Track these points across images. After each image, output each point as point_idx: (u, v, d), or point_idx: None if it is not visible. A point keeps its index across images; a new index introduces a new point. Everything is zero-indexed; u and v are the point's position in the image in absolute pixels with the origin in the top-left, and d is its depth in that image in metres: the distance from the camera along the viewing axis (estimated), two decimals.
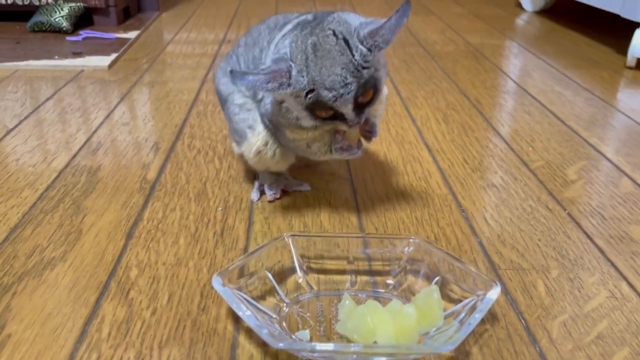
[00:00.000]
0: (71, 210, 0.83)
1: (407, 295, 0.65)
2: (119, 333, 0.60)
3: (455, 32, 2.00)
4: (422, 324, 0.58)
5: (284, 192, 0.88)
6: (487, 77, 1.51)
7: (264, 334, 0.53)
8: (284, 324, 0.60)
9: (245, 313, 0.56)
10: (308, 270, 0.69)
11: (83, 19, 1.85)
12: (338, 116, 0.69)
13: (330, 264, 0.70)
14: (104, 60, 1.51)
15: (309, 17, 0.73)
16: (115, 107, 1.23)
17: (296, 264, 0.68)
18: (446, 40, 1.90)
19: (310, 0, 2.53)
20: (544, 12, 2.37)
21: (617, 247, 0.77)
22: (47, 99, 1.26)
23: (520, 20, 2.27)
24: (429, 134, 1.13)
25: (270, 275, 0.65)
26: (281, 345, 0.53)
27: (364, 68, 0.66)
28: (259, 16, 2.16)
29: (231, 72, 0.67)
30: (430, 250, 0.66)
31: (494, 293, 0.59)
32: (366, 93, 0.68)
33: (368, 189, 0.91)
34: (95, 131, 1.10)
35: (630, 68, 1.59)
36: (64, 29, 1.74)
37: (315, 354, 0.55)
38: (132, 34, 1.80)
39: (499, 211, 0.85)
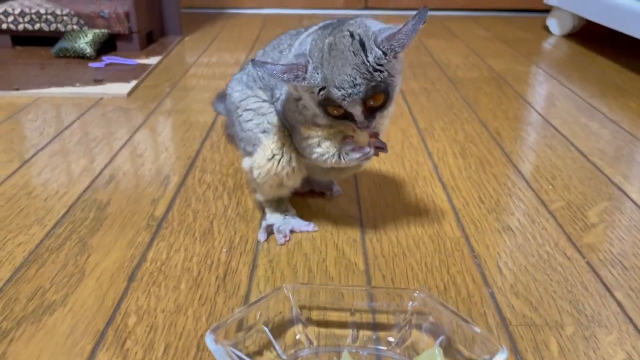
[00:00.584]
0: (77, 249, 0.82)
1: (410, 353, 0.63)
2: None
3: (479, 57, 1.97)
4: None
5: (291, 232, 0.87)
6: (510, 106, 1.47)
7: None
8: None
9: None
10: (308, 322, 0.66)
11: (107, 45, 1.88)
12: (348, 116, 0.70)
13: (332, 316, 0.68)
14: (123, 88, 1.52)
15: (334, 21, 0.75)
16: (131, 137, 1.23)
17: (296, 317, 0.66)
18: (469, 65, 1.87)
19: None
20: (572, 36, 2.31)
21: (637, 301, 0.73)
22: (65, 129, 1.27)
23: (547, 45, 2.22)
24: (445, 170, 1.10)
25: (267, 331, 0.63)
26: None
27: (375, 70, 0.67)
28: None
29: (252, 60, 0.69)
30: (436, 307, 0.63)
31: (501, 358, 0.56)
32: (376, 96, 0.69)
33: (377, 230, 0.88)
34: (109, 163, 1.10)
35: None
36: (88, 55, 1.77)
37: None
38: (154, 60, 1.82)
39: (513, 258, 0.82)
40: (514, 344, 0.65)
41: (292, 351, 0.63)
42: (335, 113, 0.71)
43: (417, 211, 0.94)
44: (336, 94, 0.68)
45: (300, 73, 0.68)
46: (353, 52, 0.67)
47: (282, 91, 0.80)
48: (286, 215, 0.89)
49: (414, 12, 0.67)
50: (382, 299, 0.67)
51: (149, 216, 0.91)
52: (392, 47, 0.67)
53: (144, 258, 0.80)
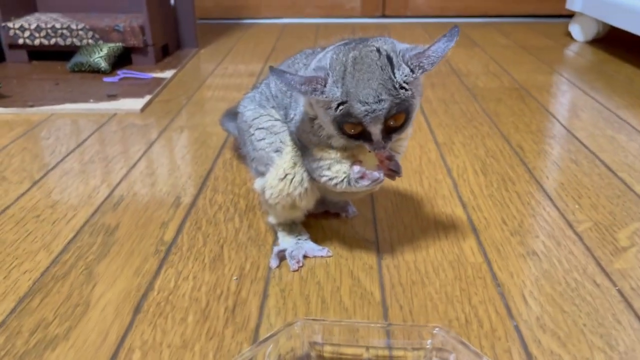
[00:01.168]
0: (83, 277, 0.80)
1: None
2: None
3: (499, 66, 1.92)
4: None
5: (304, 258, 0.83)
6: (533, 119, 1.42)
7: None
8: None
9: None
10: None
11: (122, 58, 1.87)
12: (365, 135, 0.67)
13: (346, 353, 0.64)
14: (137, 103, 1.51)
15: (355, 38, 0.72)
16: (142, 155, 1.21)
17: (307, 354, 0.62)
18: (490, 75, 1.82)
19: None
20: (596, 42, 2.25)
21: None
22: (76, 147, 1.25)
23: (570, 52, 2.16)
24: (465, 188, 1.06)
25: None
26: None
27: (401, 88, 0.64)
28: (297, 51, 2.14)
29: (271, 67, 0.67)
30: (457, 346, 0.59)
31: None
32: (398, 116, 0.66)
33: (395, 255, 0.84)
34: (119, 183, 1.08)
35: None
36: (103, 69, 1.76)
37: None
38: (168, 73, 1.81)
39: (539, 286, 0.77)
40: None
41: None
42: (352, 132, 0.68)
43: (436, 234, 0.90)
44: (359, 109, 0.65)
45: (319, 86, 0.65)
46: (380, 67, 0.65)
47: (296, 111, 0.77)
48: (299, 239, 0.85)
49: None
50: (399, 337, 0.63)
51: (157, 241, 0.89)
52: (422, 64, 0.65)
53: (151, 287, 0.77)
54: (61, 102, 1.51)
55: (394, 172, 0.73)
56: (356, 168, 0.73)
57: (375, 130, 0.67)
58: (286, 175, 0.79)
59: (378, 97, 0.64)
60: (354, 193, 0.82)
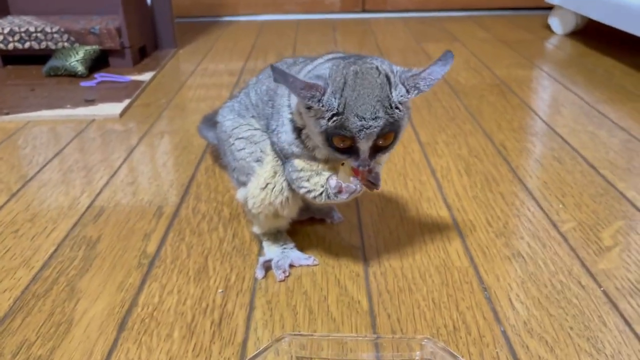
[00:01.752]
0: (64, 293, 0.78)
1: None
2: None
3: (480, 62, 1.92)
4: None
5: (290, 267, 0.82)
6: (514, 115, 1.42)
7: None
8: None
9: None
10: None
11: (99, 61, 1.84)
12: (353, 150, 0.66)
13: None
14: (115, 108, 1.48)
15: (345, 54, 0.71)
16: (124, 162, 1.19)
17: None
18: (470, 71, 1.82)
19: (331, 37, 2.49)
20: (575, 35, 2.26)
21: None
22: (54, 156, 1.23)
23: (550, 45, 2.17)
24: (449, 189, 1.05)
25: None
26: None
27: (396, 108, 0.65)
28: (276, 50, 2.12)
29: (272, 66, 0.65)
30: (445, 357, 0.59)
31: None
32: (388, 135, 0.66)
33: (381, 262, 0.84)
34: (99, 193, 1.06)
35: None
36: (79, 73, 1.73)
37: None
38: (147, 75, 1.78)
39: (525, 289, 0.78)
40: None
41: None
42: (340, 145, 0.67)
43: (421, 238, 0.90)
44: (354, 123, 0.64)
45: (317, 94, 0.64)
46: (380, 84, 0.65)
47: (278, 122, 0.76)
48: (285, 248, 0.85)
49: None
50: (388, 349, 0.63)
51: (140, 253, 0.87)
52: (417, 85, 0.66)
53: (135, 302, 0.76)
54: (37, 109, 1.48)
55: (372, 184, 0.72)
56: (332, 182, 0.72)
57: (365, 147, 0.66)
58: (267, 184, 0.78)
59: (375, 113, 0.64)
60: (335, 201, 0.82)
